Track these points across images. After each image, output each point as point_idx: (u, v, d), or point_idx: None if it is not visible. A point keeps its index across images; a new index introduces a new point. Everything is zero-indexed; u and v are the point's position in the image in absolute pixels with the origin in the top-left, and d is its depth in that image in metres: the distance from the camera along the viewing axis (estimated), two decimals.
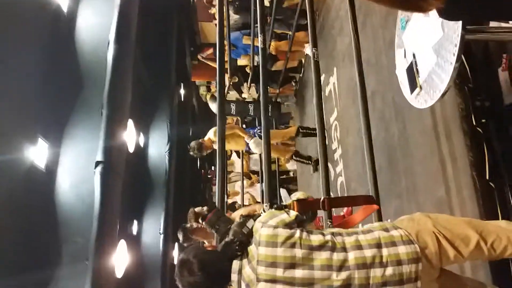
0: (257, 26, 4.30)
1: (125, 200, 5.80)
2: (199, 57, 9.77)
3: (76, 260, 4.55)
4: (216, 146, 4.71)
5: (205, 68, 13.68)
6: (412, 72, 2.53)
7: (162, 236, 8.70)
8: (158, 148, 9.48)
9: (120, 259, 6.64)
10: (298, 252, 1.71)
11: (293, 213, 1.87)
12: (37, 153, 4.64)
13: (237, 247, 1.82)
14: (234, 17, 7.63)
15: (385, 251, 1.70)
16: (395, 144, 4.01)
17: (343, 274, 1.68)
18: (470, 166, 2.77)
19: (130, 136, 7.38)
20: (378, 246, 1.72)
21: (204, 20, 12.39)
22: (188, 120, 13.13)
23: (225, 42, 6.07)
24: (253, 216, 1.92)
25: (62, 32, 5.50)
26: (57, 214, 4.68)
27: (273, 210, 1.94)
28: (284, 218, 1.83)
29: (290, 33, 6.48)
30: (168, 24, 10.37)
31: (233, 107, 7.18)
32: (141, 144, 9.15)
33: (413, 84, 2.54)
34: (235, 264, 1.80)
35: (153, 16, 9.06)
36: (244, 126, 8.11)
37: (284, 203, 2.37)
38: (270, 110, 6.15)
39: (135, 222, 8.39)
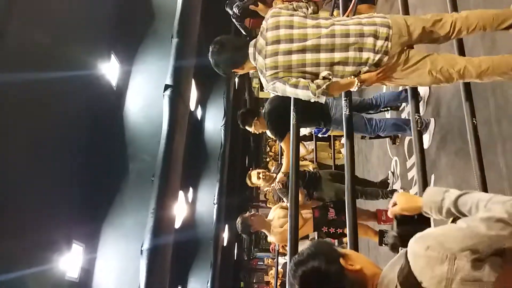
0: None
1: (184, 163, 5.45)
2: None
3: (142, 177, 4.53)
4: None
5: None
6: None
7: (216, 206, 8.60)
8: (214, 123, 9.51)
9: (179, 208, 6.58)
10: (296, 20, 2.28)
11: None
12: (109, 69, 4.71)
13: None
14: None
15: (364, 20, 2.25)
16: None
17: (329, 28, 2.23)
18: None
19: (192, 95, 7.42)
20: (359, 23, 2.25)
21: None
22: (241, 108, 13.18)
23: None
24: None
25: None
26: (125, 132, 4.69)
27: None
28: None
29: None
30: None
31: None
32: (199, 117, 9.22)
33: None
34: (252, 41, 2.34)
35: None
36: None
37: None
38: None
39: (191, 189, 8.35)
